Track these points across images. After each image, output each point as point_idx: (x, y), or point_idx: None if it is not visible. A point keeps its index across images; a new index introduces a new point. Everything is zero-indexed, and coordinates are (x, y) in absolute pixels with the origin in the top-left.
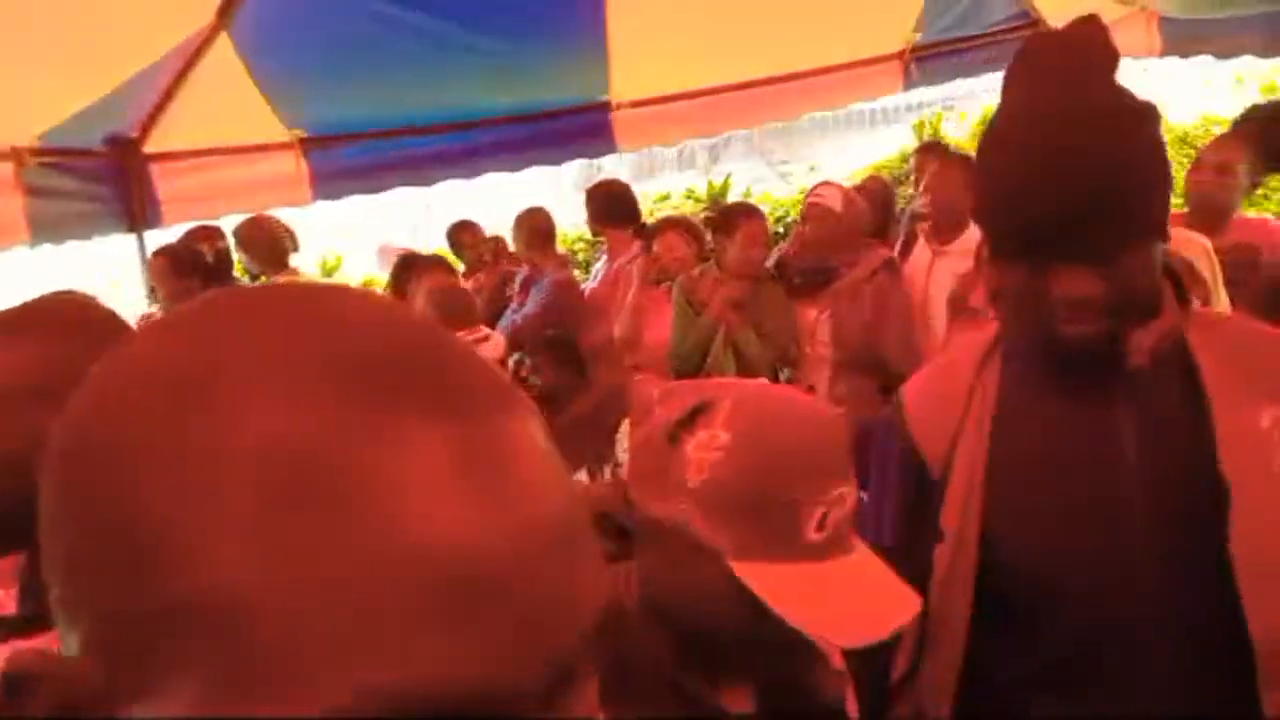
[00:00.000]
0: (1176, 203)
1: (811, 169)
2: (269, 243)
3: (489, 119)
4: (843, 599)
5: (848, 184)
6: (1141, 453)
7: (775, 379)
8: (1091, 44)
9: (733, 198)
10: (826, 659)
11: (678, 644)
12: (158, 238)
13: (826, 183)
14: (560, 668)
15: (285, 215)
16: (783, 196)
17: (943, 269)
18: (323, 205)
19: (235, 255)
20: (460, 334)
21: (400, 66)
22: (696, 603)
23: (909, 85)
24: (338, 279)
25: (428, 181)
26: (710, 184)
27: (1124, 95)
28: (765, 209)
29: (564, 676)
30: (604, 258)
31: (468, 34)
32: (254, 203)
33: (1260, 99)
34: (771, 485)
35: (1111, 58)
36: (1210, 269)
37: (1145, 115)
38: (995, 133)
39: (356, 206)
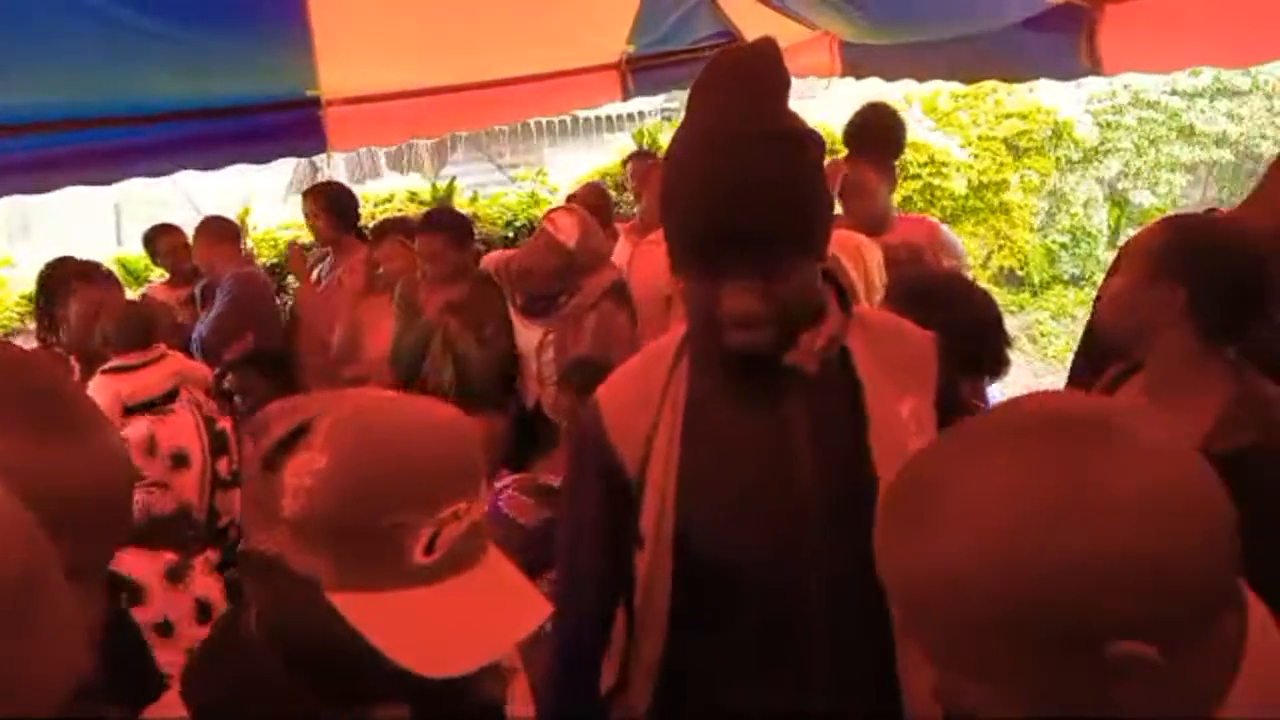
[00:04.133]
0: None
1: (539, 173)
2: None
3: (180, 112)
4: (450, 623)
5: (572, 188)
6: (812, 450)
7: (507, 385)
8: (764, 68)
9: (459, 201)
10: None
11: (309, 673)
12: None
13: (567, 210)
14: None
15: None
16: (511, 200)
17: (640, 260)
18: None
19: None
20: (134, 355)
21: (69, 50)
22: (306, 636)
23: (627, 95)
24: None
25: (108, 180)
26: (434, 186)
27: (791, 119)
28: (494, 212)
29: None
30: (325, 263)
31: (144, 17)
32: None
33: (922, 117)
34: (370, 511)
35: (782, 82)
36: (861, 266)
37: (808, 140)
38: (673, 151)
39: (30, 206)
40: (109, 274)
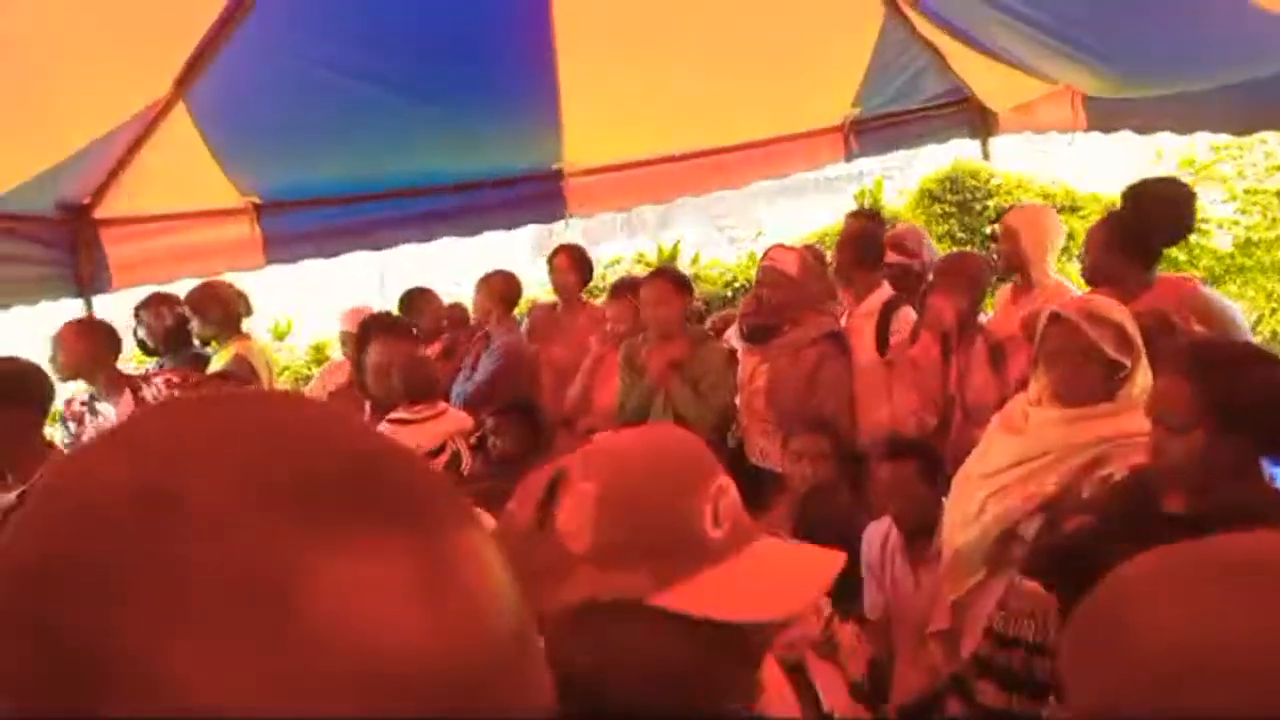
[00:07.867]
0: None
1: (759, 234)
2: (222, 308)
3: (444, 185)
4: (768, 576)
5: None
6: None
7: (721, 440)
8: None
9: (681, 262)
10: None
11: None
12: (106, 302)
13: (780, 246)
14: None
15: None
16: (730, 261)
17: (856, 332)
18: (274, 269)
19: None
20: (419, 408)
21: (356, 136)
22: (647, 657)
23: (850, 156)
24: (289, 343)
25: (381, 245)
26: (660, 249)
27: None
28: (714, 273)
29: None
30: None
31: (426, 108)
32: (205, 267)
33: (1178, 172)
34: (659, 501)
35: None
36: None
37: None
38: None
39: (310, 270)
40: (406, 328)
